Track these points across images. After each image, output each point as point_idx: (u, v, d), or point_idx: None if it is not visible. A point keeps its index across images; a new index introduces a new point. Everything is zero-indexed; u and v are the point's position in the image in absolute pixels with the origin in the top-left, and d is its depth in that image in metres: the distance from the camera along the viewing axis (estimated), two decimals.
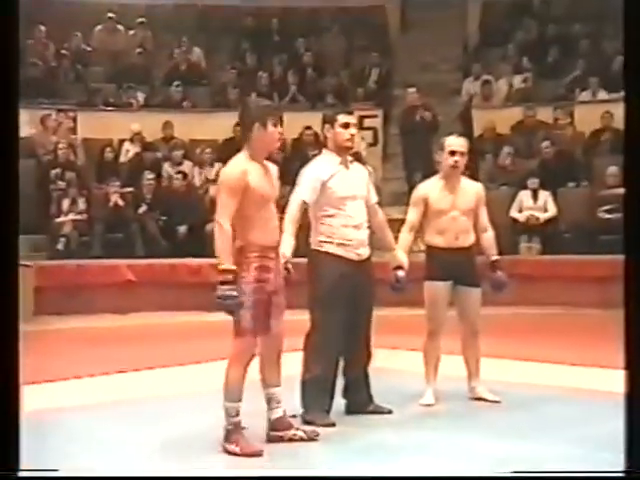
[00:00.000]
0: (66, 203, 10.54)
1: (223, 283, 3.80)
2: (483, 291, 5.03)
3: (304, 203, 4.53)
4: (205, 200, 10.83)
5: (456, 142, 5.02)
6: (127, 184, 11.06)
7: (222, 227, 3.84)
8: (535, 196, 10.43)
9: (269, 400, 4.12)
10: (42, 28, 13.03)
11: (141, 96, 12.79)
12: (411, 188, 11.22)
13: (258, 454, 3.87)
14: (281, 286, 4.07)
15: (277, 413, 4.11)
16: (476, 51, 13.62)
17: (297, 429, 4.15)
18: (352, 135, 4.57)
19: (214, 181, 11.17)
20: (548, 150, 10.97)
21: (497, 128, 11.78)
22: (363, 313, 4.61)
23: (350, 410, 4.68)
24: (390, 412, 4.68)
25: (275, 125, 4.02)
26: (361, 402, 4.69)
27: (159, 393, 5.37)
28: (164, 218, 10.59)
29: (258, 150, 4.03)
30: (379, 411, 4.67)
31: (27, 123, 11.69)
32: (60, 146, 11.24)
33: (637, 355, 2.72)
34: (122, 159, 11.81)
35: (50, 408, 4.90)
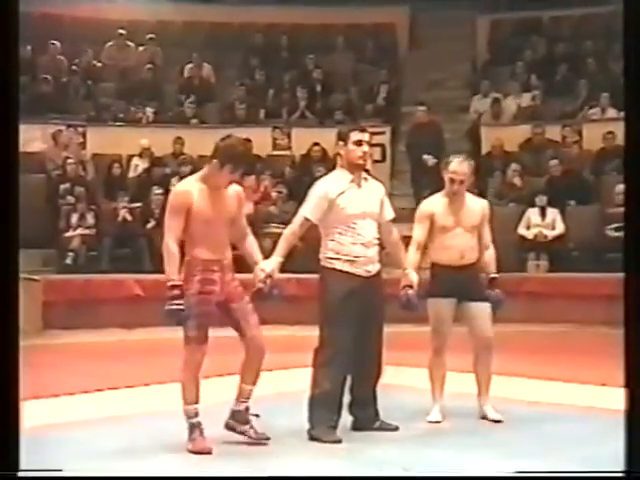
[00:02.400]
0: (75, 218, 10.59)
1: (171, 298, 4.17)
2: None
3: (306, 220, 4.56)
4: None
5: (457, 169, 4.96)
6: (136, 199, 11.10)
7: (168, 247, 4.21)
8: (543, 213, 10.43)
9: (239, 393, 4.40)
10: (57, 44, 13.13)
11: (150, 112, 12.85)
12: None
13: (206, 452, 4.19)
14: (238, 295, 4.31)
15: (240, 406, 4.39)
16: (484, 69, 13.66)
17: (251, 428, 4.37)
18: (364, 152, 4.57)
19: None
20: (556, 168, 10.97)
21: (505, 146, 11.79)
22: (373, 330, 4.60)
23: (356, 427, 4.67)
24: (396, 429, 4.67)
25: (233, 172, 4.32)
26: (368, 419, 4.67)
27: (167, 408, 5.35)
28: None
29: (211, 178, 4.33)
30: (385, 428, 4.66)
31: (37, 138, 11.77)
32: (69, 161, 11.30)
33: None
34: (131, 174, 11.85)
35: (57, 423, 4.90)
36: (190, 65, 13.50)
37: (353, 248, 4.52)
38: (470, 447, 4.39)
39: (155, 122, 12.75)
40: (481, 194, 5.59)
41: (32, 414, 4.43)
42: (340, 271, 4.52)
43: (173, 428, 4.48)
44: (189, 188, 4.30)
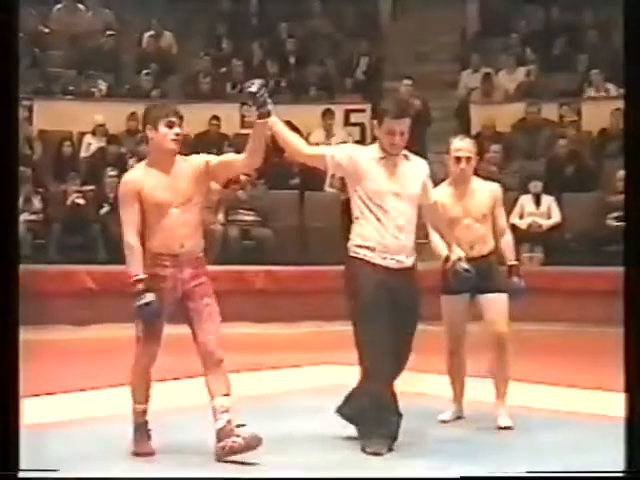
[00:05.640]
0: (19, 202, 10.52)
1: (138, 293, 4.20)
2: None
3: (330, 158, 4.49)
4: None
5: (461, 146, 5.03)
6: (88, 181, 11.04)
7: (127, 241, 4.27)
8: (538, 201, 10.49)
9: (213, 412, 4.28)
10: None
11: (104, 84, 12.77)
12: None
13: (149, 454, 4.30)
14: (197, 294, 4.30)
15: (218, 424, 4.26)
16: (475, 40, 13.70)
17: (237, 436, 4.22)
18: (399, 140, 4.49)
19: None
20: (553, 150, 11.03)
21: (497, 126, 11.84)
22: (406, 329, 4.51)
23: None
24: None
25: (170, 126, 4.28)
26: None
27: (118, 412, 5.35)
28: None
29: (155, 154, 4.35)
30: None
31: None
32: None
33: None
34: (83, 154, 11.80)
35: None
36: (149, 33, 13.43)
37: (382, 233, 4.43)
38: (478, 455, 4.43)
39: (110, 96, 12.68)
40: (490, 177, 5.63)
41: None
42: (366, 262, 4.44)
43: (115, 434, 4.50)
44: (136, 173, 4.36)
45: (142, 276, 4.22)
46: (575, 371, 6.66)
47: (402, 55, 13.58)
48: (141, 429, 4.39)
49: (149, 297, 4.19)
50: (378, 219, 4.44)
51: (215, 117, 12.04)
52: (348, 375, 6.23)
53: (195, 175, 4.33)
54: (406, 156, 4.58)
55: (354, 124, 12.35)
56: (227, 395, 4.30)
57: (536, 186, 10.50)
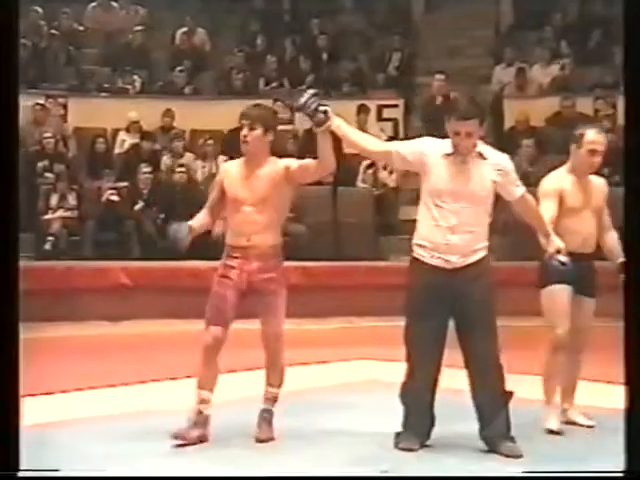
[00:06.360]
0: (55, 199, 10.62)
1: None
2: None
3: (395, 153, 4.47)
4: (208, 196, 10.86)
5: (597, 138, 4.94)
6: (122, 178, 11.13)
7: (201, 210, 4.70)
8: None
9: (264, 393, 4.63)
10: (39, 10, 13.09)
11: (138, 81, 12.86)
12: None
13: (192, 443, 4.39)
14: (263, 288, 4.52)
15: (263, 405, 4.62)
16: (509, 34, 13.62)
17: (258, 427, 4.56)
18: (464, 141, 4.39)
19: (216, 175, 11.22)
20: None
21: (531, 120, 11.78)
22: (473, 329, 4.40)
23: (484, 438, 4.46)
24: (520, 456, 4.34)
25: (242, 128, 4.59)
26: (495, 434, 4.43)
27: (153, 408, 5.39)
28: (162, 216, 10.62)
29: (244, 152, 4.64)
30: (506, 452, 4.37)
31: None
32: (48, 135, 11.31)
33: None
34: (117, 150, 11.88)
35: (36, 424, 4.93)
36: (183, 30, 13.49)
37: (435, 232, 4.38)
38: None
39: (143, 92, 12.76)
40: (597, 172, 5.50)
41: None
42: (419, 261, 4.43)
43: (161, 428, 4.52)
44: (227, 165, 4.78)
45: (192, 223, 4.61)
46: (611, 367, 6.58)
47: (435, 50, 13.53)
48: (195, 415, 4.46)
49: (183, 224, 4.61)
50: (433, 217, 4.39)
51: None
52: (379, 370, 6.29)
53: (273, 177, 4.53)
54: (481, 154, 4.45)
55: (387, 119, 12.32)
56: (276, 386, 4.59)
57: None
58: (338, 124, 4.43)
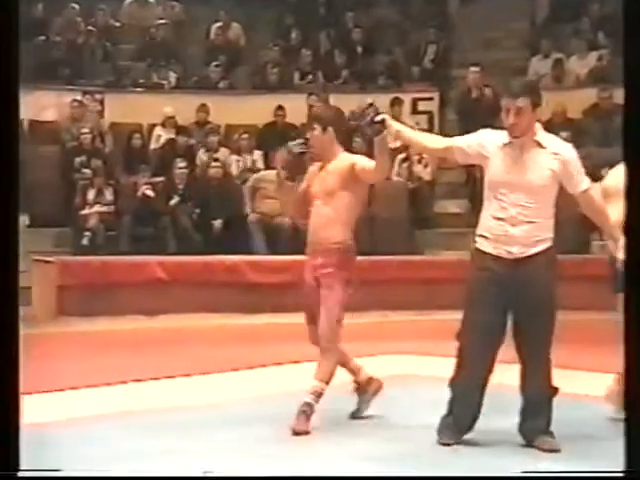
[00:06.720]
0: (92, 194, 10.69)
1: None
2: None
3: (456, 148, 4.47)
4: (243, 191, 10.90)
5: None
6: (158, 173, 11.17)
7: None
8: None
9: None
10: (75, 6, 13.18)
11: (173, 76, 12.91)
12: (469, 178, 11.17)
13: (302, 433, 4.48)
14: (324, 283, 4.60)
15: (305, 399, 4.57)
16: (545, 26, 13.50)
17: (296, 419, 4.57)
18: (514, 120, 4.29)
19: (252, 170, 11.25)
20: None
21: (568, 112, 11.67)
22: (530, 322, 4.34)
23: (523, 435, 4.41)
24: (558, 450, 4.31)
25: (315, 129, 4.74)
26: (535, 429, 4.39)
27: (193, 403, 5.41)
28: (198, 211, 10.67)
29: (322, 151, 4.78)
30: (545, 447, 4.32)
31: (51, 106, 11.90)
32: (85, 131, 11.39)
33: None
34: (153, 145, 11.94)
35: (72, 418, 4.98)
36: (217, 25, 13.53)
37: (495, 223, 4.33)
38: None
39: (179, 87, 12.82)
40: None
41: (36, 408, 4.56)
42: (481, 251, 4.38)
43: (193, 424, 4.55)
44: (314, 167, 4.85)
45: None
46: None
47: (470, 42, 13.46)
48: (306, 407, 4.55)
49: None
50: (493, 209, 4.35)
51: (280, 107, 12.09)
52: (414, 365, 6.27)
53: (341, 173, 4.64)
54: (539, 143, 4.35)
55: (422, 112, 12.27)
56: (321, 380, 4.59)
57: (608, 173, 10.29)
58: (398, 129, 4.49)
